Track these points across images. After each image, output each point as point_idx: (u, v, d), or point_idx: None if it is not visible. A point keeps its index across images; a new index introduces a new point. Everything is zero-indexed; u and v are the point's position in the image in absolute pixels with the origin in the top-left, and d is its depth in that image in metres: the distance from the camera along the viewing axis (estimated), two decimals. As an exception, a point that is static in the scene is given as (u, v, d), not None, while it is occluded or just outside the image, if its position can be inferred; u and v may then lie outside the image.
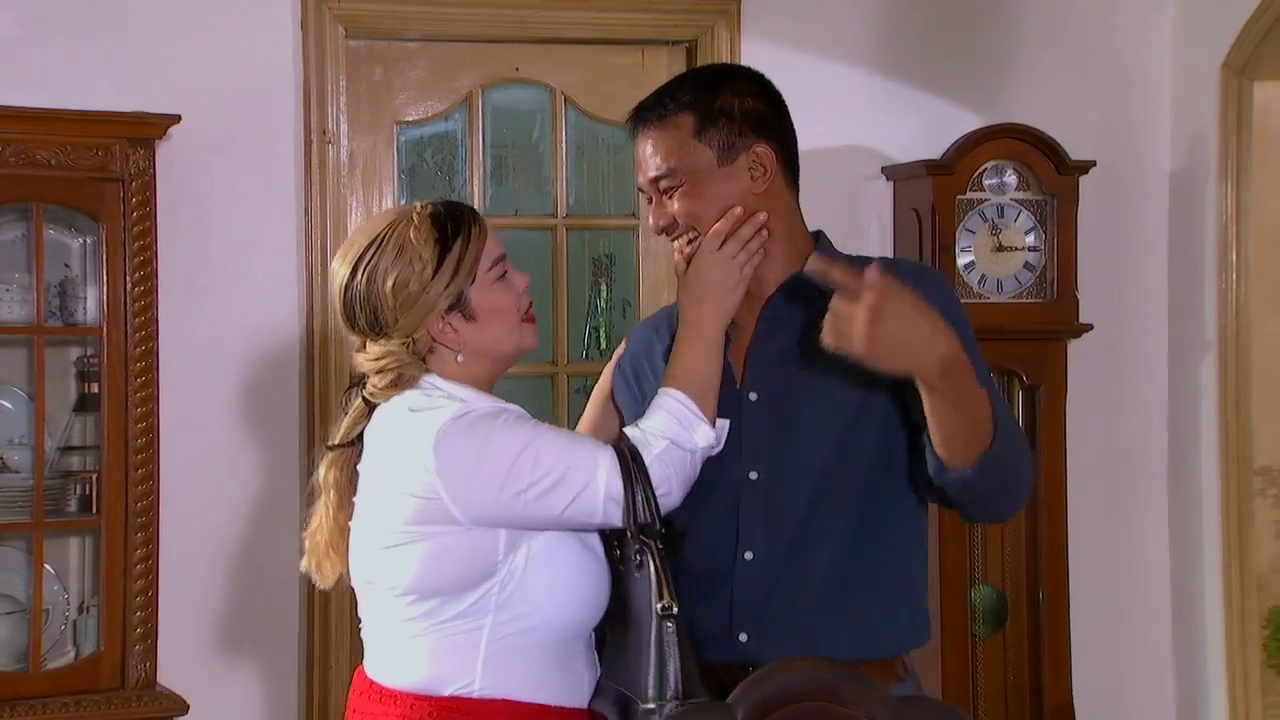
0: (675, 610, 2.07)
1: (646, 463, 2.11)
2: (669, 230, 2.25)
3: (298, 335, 3.71)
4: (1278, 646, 3.85)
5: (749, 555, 2.20)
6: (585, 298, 4.03)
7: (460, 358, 2.16)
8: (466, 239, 2.14)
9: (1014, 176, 3.93)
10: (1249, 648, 3.92)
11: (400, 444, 2.11)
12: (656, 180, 2.23)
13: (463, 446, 2.07)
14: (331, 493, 2.20)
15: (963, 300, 3.83)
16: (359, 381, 2.20)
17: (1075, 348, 3.98)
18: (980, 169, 3.91)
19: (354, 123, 3.79)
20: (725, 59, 3.89)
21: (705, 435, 2.15)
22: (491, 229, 2.20)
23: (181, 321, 3.56)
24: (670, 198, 2.23)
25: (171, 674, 3.43)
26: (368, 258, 2.14)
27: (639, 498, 2.09)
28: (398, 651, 2.15)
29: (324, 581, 2.25)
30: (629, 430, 2.17)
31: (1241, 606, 3.93)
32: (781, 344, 2.24)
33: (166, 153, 3.48)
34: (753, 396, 2.23)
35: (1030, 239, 3.94)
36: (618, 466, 2.09)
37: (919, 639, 2.27)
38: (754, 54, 3.89)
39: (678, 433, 2.14)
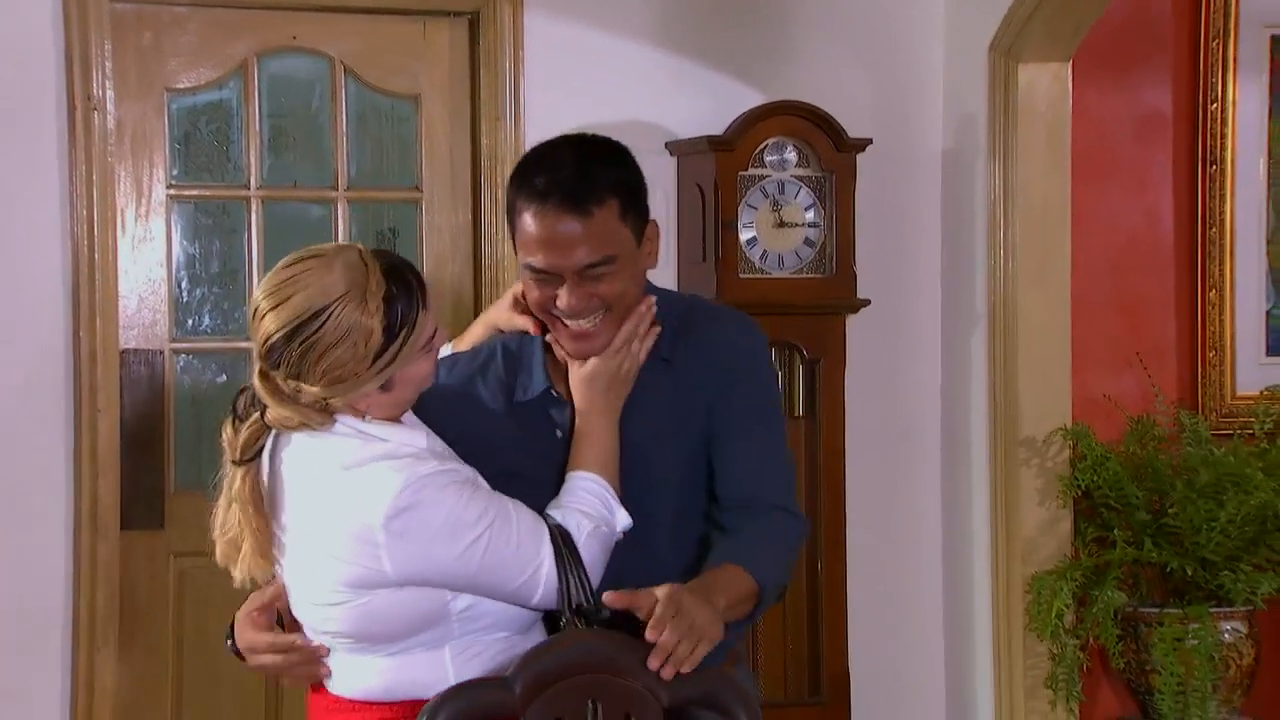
0: None
1: (579, 545, 2.13)
2: (582, 312, 2.20)
3: (63, 309, 3.57)
4: (1038, 611, 4.00)
5: (606, 614, 2.21)
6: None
7: (367, 417, 2.11)
8: (411, 329, 2.07)
9: (794, 153, 3.99)
10: (1013, 613, 4.06)
11: (335, 507, 2.06)
12: (591, 267, 2.18)
13: (418, 525, 2.04)
14: (249, 507, 2.11)
15: (744, 276, 3.93)
16: (254, 397, 2.11)
17: (854, 322, 4.06)
18: (761, 145, 3.95)
19: (121, 89, 3.65)
20: (508, 32, 3.86)
21: (624, 518, 2.20)
22: (430, 296, 2.12)
23: (-64, 294, 3.41)
24: (598, 279, 2.19)
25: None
26: (309, 329, 2.03)
27: (572, 582, 2.11)
28: (361, 668, 2.13)
29: (241, 579, 2.17)
30: (554, 512, 2.17)
31: (1007, 573, 4.08)
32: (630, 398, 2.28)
33: (-83, 117, 3.32)
34: None
35: (810, 215, 4.00)
36: (553, 550, 2.11)
37: (740, 631, 2.33)
38: (537, 28, 3.87)
39: (603, 515, 2.18)
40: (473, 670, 2.10)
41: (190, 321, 3.80)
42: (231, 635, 2.22)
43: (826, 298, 4.01)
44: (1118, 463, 4.06)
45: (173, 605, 3.72)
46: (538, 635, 2.18)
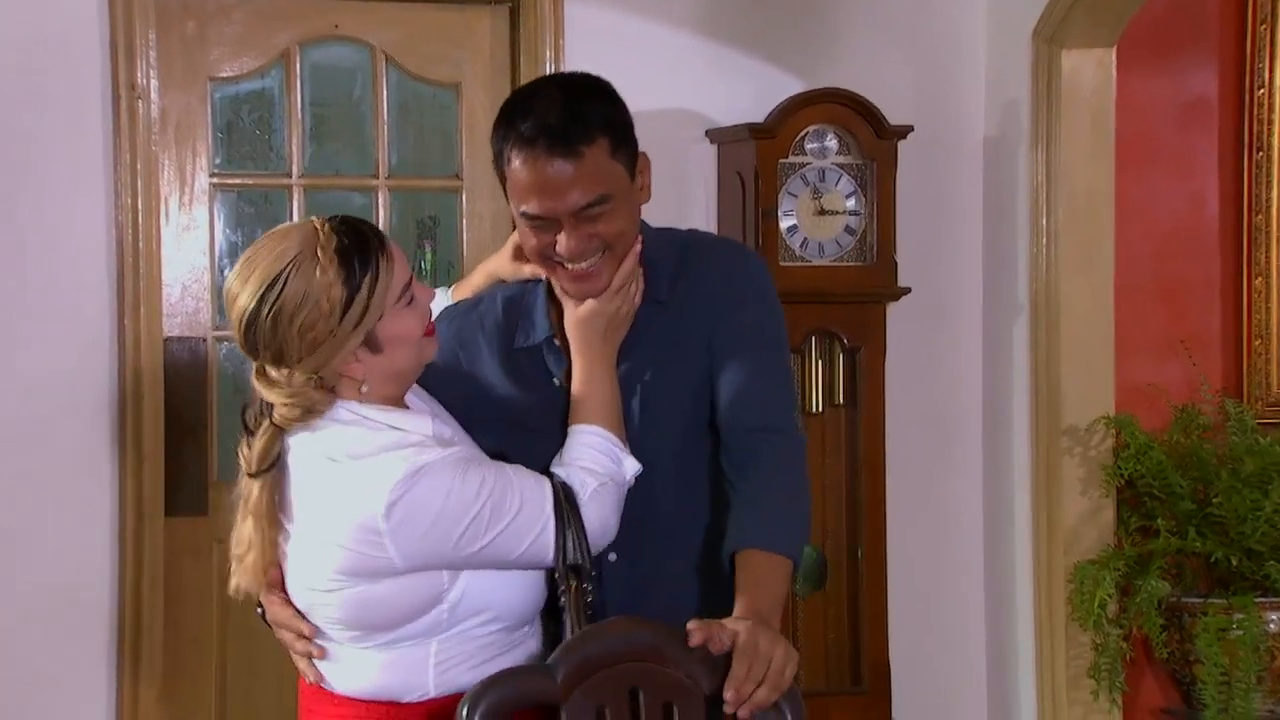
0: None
1: (581, 503, 2.12)
2: (586, 256, 2.17)
3: (108, 298, 3.60)
4: (1081, 600, 3.98)
5: (613, 557, 2.22)
6: (410, 261, 3.97)
7: (364, 388, 2.10)
8: (374, 276, 2.06)
9: (834, 141, 3.97)
10: (1054, 602, 4.04)
11: (339, 496, 2.06)
12: (588, 208, 2.14)
13: (418, 511, 2.04)
14: (264, 520, 2.12)
15: (785, 264, 3.92)
16: (262, 405, 2.12)
17: (894, 310, 4.05)
18: (802, 133, 3.94)
19: (165, 78, 3.67)
20: (549, 20, 3.86)
21: (632, 465, 2.19)
22: (397, 248, 2.10)
23: (-18, 284, 3.44)
24: (596, 219, 2.15)
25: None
26: (272, 296, 2.03)
27: (569, 539, 2.11)
28: (347, 663, 2.14)
29: (234, 587, 2.18)
30: (558, 470, 2.16)
31: (1048, 563, 4.06)
32: (626, 340, 2.25)
33: (-36, 106, 3.35)
34: None
35: (850, 203, 3.99)
36: (554, 508, 2.11)
37: None
38: (577, 16, 3.87)
39: (610, 469, 2.16)
40: (453, 676, 2.10)
41: (233, 309, 3.82)
42: (261, 605, 2.23)
43: (867, 286, 3.99)
44: (1161, 451, 4.03)
45: (216, 591, 3.75)
46: (527, 639, 2.17)
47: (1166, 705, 4.20)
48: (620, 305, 2.21)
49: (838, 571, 4.00)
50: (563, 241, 2.16)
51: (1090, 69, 4.04)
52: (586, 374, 2.20)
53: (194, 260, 3.76)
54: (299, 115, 3.83)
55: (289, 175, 3.84)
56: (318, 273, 2.04)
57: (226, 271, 3.77)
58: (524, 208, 2.16)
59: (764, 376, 2.24)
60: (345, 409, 2.10)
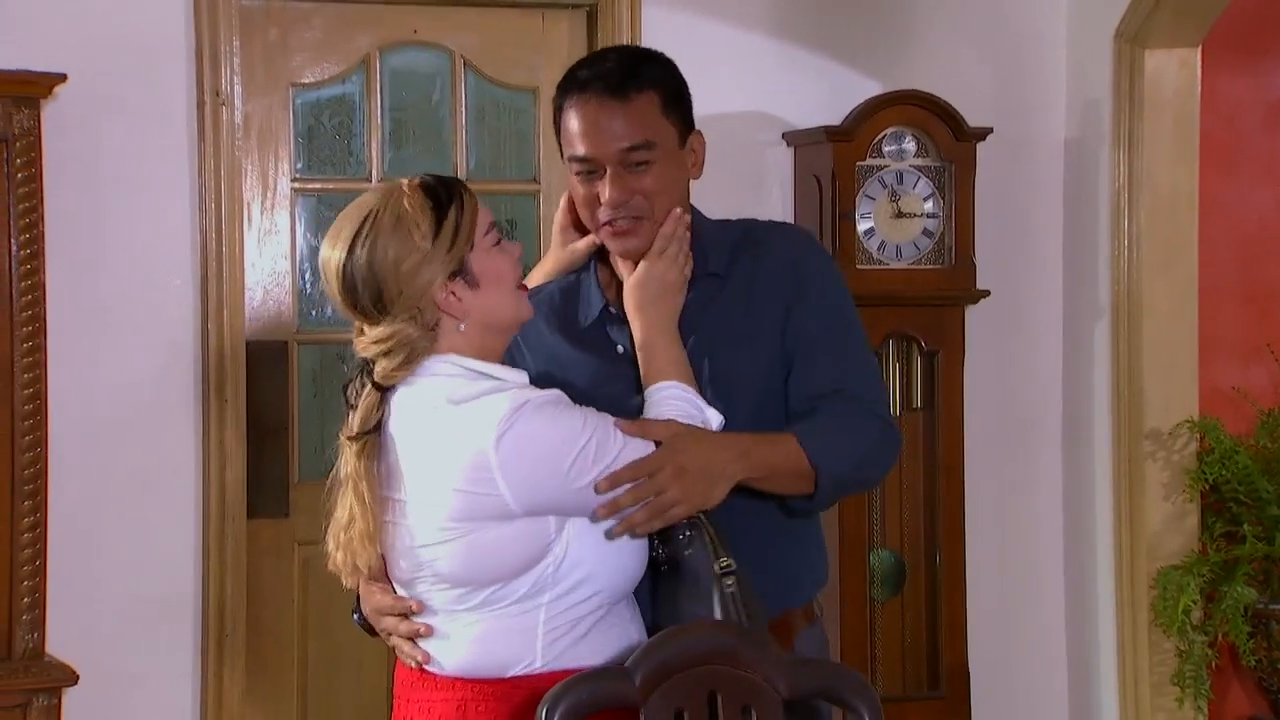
0: (734, 567, 2.11)
1: None
2: (621, 205, 2.22)
3: (192, 302, 3.65)
4: (1164, 606, 3.93)
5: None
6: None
7: (462, 326, 2.13)
8: (460, 205, 2.13)
9: (912, 143, 3.95)
10: (1138, 608, 4.00)
11: (447, 439, 2.09)
12: (631, 150, 2.21)
13: (526, 442, 2.06)
14: (363, 484, 2.13)
15: (862, 267, 3.90)
16: (362, 368, 2.16)
17: (973, 313, 4.02)
18: (880, 135, 3.92)
19: (248, 85, 3.72)
20: (626, 24, 3.87)
21: (716, 417, 2.21)
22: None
23: (71, 287, 3.49)
24: (639, 171, 2.22)
25: (61, 644, 3.37)
26: (364, 233, 2.11)
27: None
28: (450, 640, 2.14)
29: (352, 580, 2.18)
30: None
31: (1131, 568, 4.01)
32: (688, 315, 2.28)
33: (53, 113, 3.40)
34: None
35: (929, 205, 3.96)
36: None
37: (825, 578, 2.38)
38: (654, 19, 3.87)
39: (696, 416, 2.19)
40: (559, 648, 2.10)
41: (314, 313, 3.86)
42: (358, 608, 2.25)
43: (945, 289, 3.97)
44: (1247, 456, 3.97)
45: (297, 592, 3.79)
46: (626, 610, 2.16)
47: (1254, 713, 4.14)
48: (667, 269, 2.25)
49: (916, 575, 3.98)
50: (605, 189, 2.22)
51: (1174, 69, 3.99)
52: (647, 336, 2.23)
53: (276, 264, 3.81)
54: (378, 120, 3.86)
55: (369, 179, 3.87)
56: (406, 205, 2.11)
57: (308, 275, 3.85)
58: (572, 151, 2.25)
59: (854, 359, 2.26)
60: (444, 362, 2.12)
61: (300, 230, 3.84)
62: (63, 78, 3.33)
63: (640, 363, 2.23)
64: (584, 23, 3.94)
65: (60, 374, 3.41)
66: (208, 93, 3.61)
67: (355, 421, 2.13)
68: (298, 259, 3.83)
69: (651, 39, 3.85)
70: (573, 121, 2.23)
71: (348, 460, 2.14)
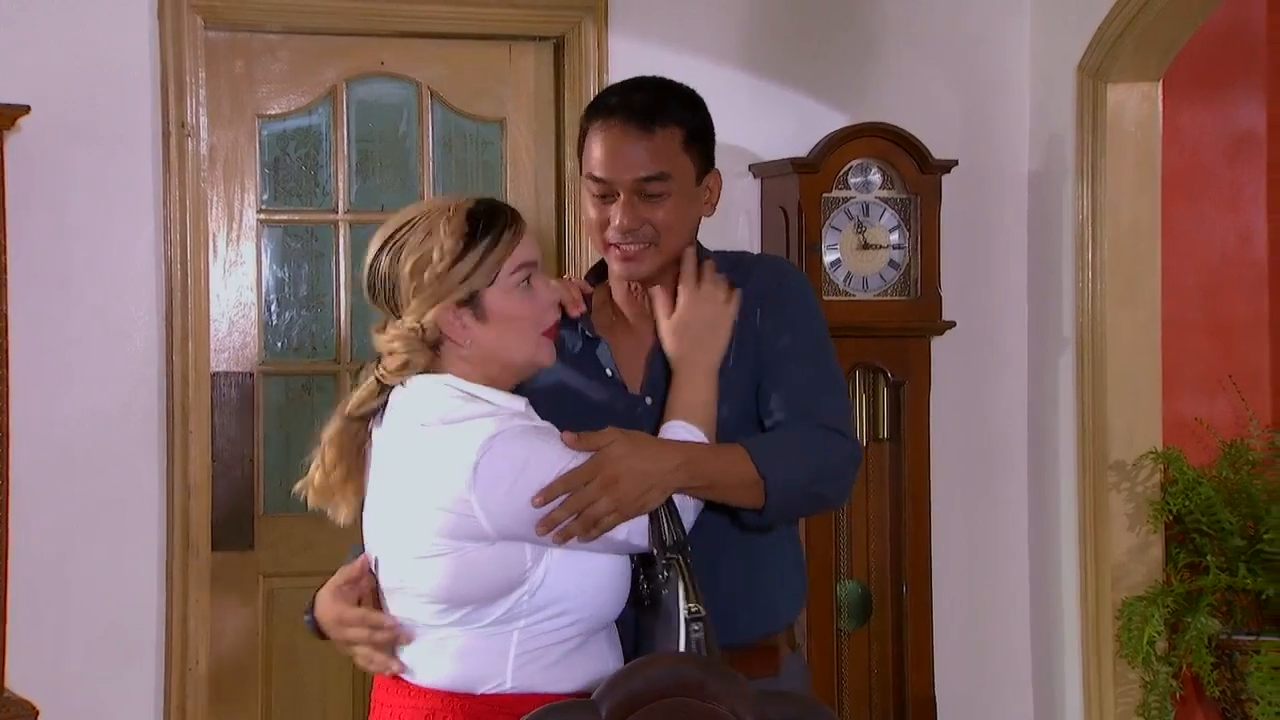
0: (703, 613, 2.11)
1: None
2: (630, 232, 2.25)
3: (157, 334, 3.63)
4: (1129, 637, 3.94)
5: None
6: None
7: (465, 352, 2.15)
8: (495, 240, 2.14)
9: (878, 175, 3.97)
10: (1103, 639, 4.01)
11: (435, 456, 2.11)
12: (647, 180, 2.24)
13: (503, 464, 2.07)
14: (350, 456, 2.18)
15: (829, 298, 3.92)
16: (377, 359, 2.21)
17: (938, 344, 4.04)
18: (846, 167, 3.94)
19: (214, 116, 3.71)
20: (592, 56, 3.88)
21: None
22: (530, 236, 2.18)
23: (35, 318, 3.48)
24: (653, 202, 2.25)
25: (22, 679, 3.34)
26: (398, 235, 2.16)
27: (664, 519, 2.13)
28: (426, 651, 2.15)
29: (342, 517, 2.22)
30: None
31: (1096, 599, 4.02)
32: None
33: (18, 143, 3.39)
34: (649, 401, 2.31)
35: (894, 237, 3.98)
36: None
37: (802, 603, 2.39)
38: (621, 51, 3.89)
39: None
40: (530, 672, 2.11)
41: (279, 344, 3.85)
42: (310, 611, 2.24)
43: (911, 320, 3.98)
44: (1210, 487, 3.99)
45: (261, 625, 3.77)
46: (604, 638, 2.17)
47: (1218, 744, 4.16)
48: (707, 310, 2.27)
49: (883, 606, 3.98)
50: (616, 214, 2.25)
51: (1135, 102, 4.03)
52: (686, 376, 2.25)
53: (241, 295, 3.79)
54: (345, 151, 3.86)
55: (335, 211, 3.87)
56: (442, 224, 2.14)
57: (274, 306, 3.83)
58: (591, 171, 2.28)
59: (816, 380, 2.29)
60: (444, 383, 2.15)
61: (266, 261, 3.83)
62: (26, 109, 3.33)
63: (666, 404, 2.25)
64: (551, 55, 3.95)
65: (23, 405, 3.39)
66: (173, 124, 3.61)
67: (351, 401, 2.19)
68: (263, 290, 3.82)
69: (618, 71, 3.87)
70: (595, 144, 2.27)
71: (330, 429, 2.19)
